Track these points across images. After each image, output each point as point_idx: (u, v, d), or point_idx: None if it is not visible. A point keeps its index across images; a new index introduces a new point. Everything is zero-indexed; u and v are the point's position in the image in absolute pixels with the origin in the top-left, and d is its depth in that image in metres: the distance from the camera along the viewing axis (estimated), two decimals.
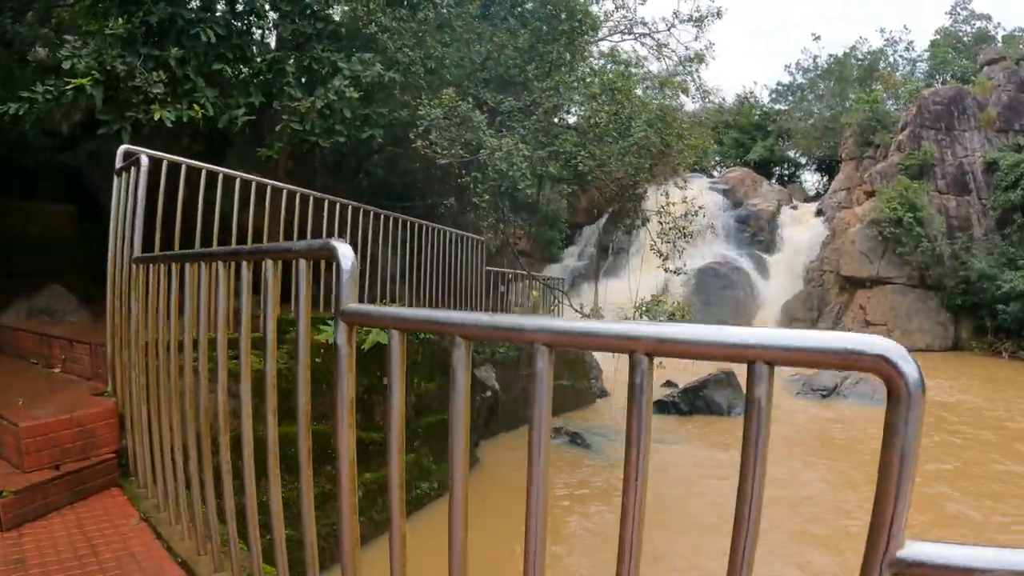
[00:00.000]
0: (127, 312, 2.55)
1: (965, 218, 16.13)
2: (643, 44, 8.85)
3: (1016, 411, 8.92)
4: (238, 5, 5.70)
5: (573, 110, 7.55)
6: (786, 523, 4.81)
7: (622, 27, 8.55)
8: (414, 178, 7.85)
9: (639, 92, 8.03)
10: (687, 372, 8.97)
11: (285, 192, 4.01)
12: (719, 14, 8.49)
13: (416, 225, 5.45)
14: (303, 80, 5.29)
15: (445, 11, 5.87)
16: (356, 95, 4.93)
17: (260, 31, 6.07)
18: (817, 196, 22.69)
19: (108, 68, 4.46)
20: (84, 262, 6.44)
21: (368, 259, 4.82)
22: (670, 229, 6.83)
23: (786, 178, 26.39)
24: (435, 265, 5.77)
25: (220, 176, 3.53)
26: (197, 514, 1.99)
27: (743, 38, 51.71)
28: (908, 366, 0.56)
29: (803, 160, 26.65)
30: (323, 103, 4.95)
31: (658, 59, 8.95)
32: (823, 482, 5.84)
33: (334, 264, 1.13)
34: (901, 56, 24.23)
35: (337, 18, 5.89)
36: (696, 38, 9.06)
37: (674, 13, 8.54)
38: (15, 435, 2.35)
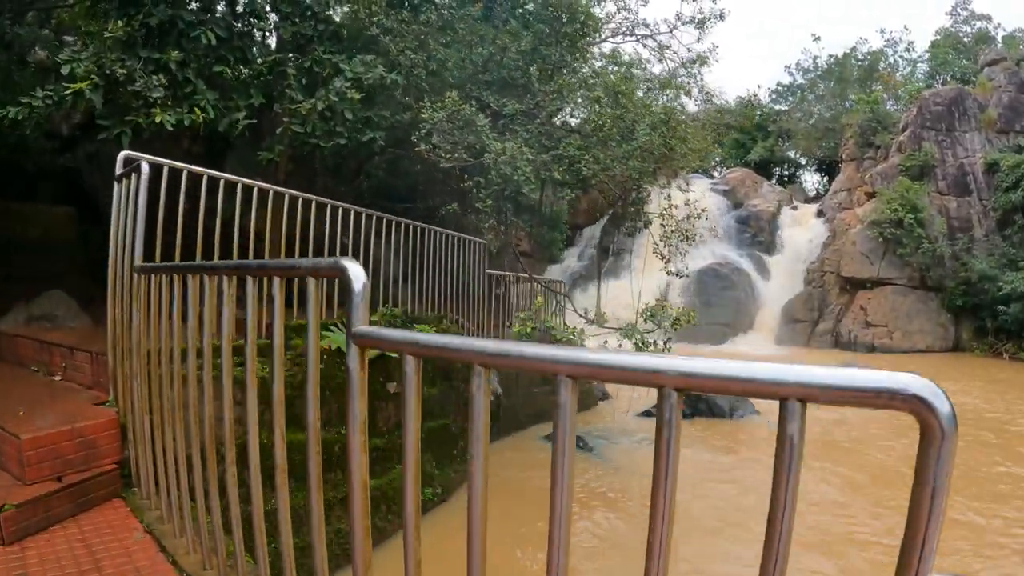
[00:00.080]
0: (128, 321, 2.52)
1: (966, 219, 16.13)
2: (645, 46, 8.84)
3: (1017, 413, 8.91)
4: (238, 7, 5.67)
5: (576, 112, 7.53)
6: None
7: (624, 29, 8.53)
8: (415, 180, 7.83)
9: (640, 93, 8.00)
10: None
11: (287, 196, 3.97)
12: (721, 16, 8.48)
13: (418, 229, 5.42)
14: (304, 82, 5.26)
15: (447, 13, 5.85)
16: (357, 96, 4.90)
17: (261, 33, 6.03)
18: (817, 197, 22.69)
19: (107, 72, 4.43)
20: (84, 264, 6.42)
21: (370, 262, 4.80)
22: (672, 232, 6.81)
23: (786, 179, 26.39)
24: (437, 268, 5.74)
25: (222, 181, 3.49)
26: (202, 526, 1.96)
27: (745, 40, 51.67)
28: (942, 404, 0.56)
29: (803, 161, 26.65)
30: (324, 105, 4.92)
31: (660, 61, 8.93)
32: (826, 484, 5.82)
33: (343, 283, 1.10)
34: (901, 57, 24.24)
35: (338, 19, 5.86)
36: (698, 40, 9.06)
37: (676, 15, 8.52)
38: (17, 447, 2.33)
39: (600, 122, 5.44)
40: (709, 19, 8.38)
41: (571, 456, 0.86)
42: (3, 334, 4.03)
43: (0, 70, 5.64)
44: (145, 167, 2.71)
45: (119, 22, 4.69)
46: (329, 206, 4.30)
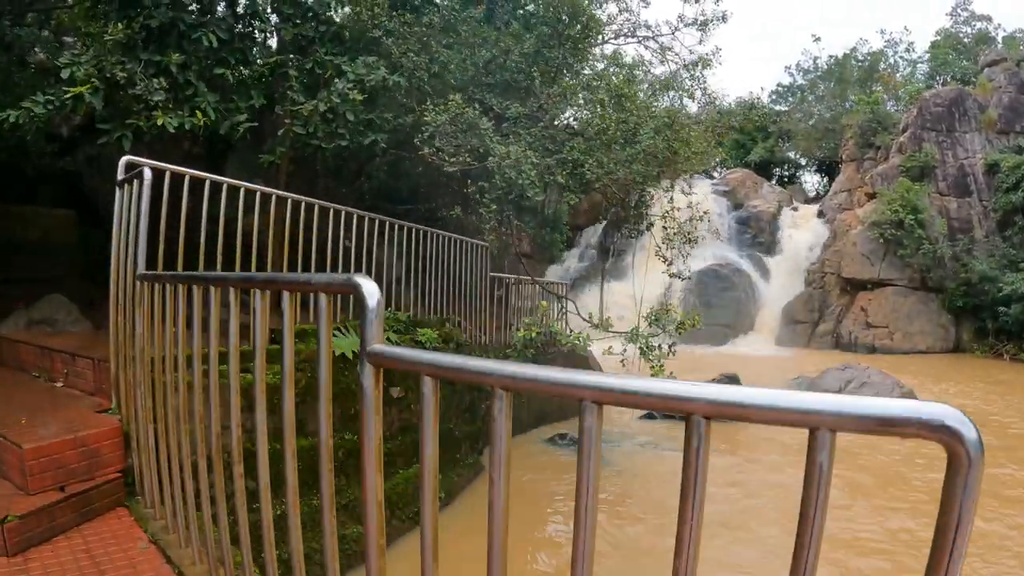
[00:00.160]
0: (131, 329, 2.50)
1: (966, 220, 16.14)
2: (647, 47, 8.82)
3: (1019, 415, 8.91)
4: (239, 8, 5.63)
5: (578, 114, 7.50)
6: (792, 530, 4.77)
7: (625, 30, 8.51)
8: (416, 182, 7.80)
9: (641, 95, 7.98)
10: (693, 374, 8.94)
11: (290, 201, 3.95)
12: (724, 18, 8.46)
13: (421, 232, 5.40)
14: (305, 83, 5.24)
15: (449, 15, 5.82)
16: (360, 98, 4.87)
17: (262, 35, 6.00)
18: (817, 197, 22.70)
19: (108, 75, 4.40)
20: (84, 267, 6.39)
21: (372, 265, 4.78)
22: (675, 234, 6.79)
23: (786, 179, 26.39)
24: (439, 271, 5.72)
25: (224, 186, 3.47)
26: (208, 536, 1.94)
27: (748, 42, 51.55)
28: (969, 432, 0.57)
29: (803, 161, 26.65)
30: (326, 106, 4.90)
31: (662, 63, 8.91)
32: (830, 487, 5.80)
33: (357, 299, 1.08)
34: (902, 57, 24.25)
35: (338, 20, 5.83)
36: (700, 42, 9.03)
37: (679, 17, 8.50)
38: (19, 456, 2.30)
39: (604, 125, 5.41)
40: (711, 21, 8.37)
41: (596, 480, 0.85)
42: (4, 339, 4.01)
43: (0, 71, 5.60)
44: (148, 173, 2.68)
45: (119, 24, 4.66)
46: (332, 210, 4.28)
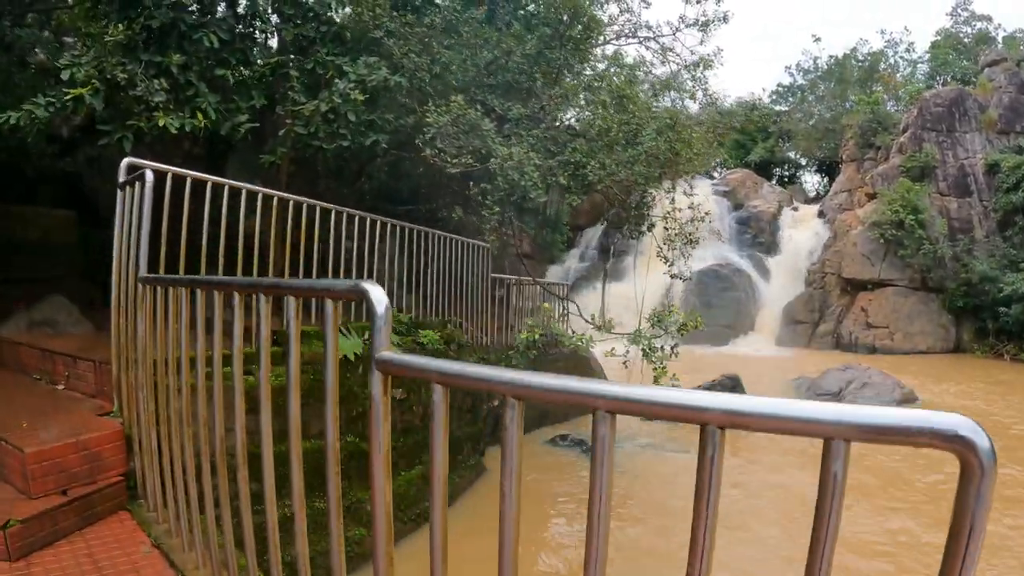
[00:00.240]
0: (133, 331, 2.49)
1: (966, 220, 16.14)
2: (648, 48, 8.81)
3: (1020, 415, 8.91)
4: (239, 8, 5.62)
5: (580, 115, 7.48)
6: (799, 532, 4.76)
7: (626, 31, 8.50)
8: (417, 183, 7.78)
9: (641, 95, 7.97)
10: (694, 375, 8.93)
11: (291, 202, 3.94)
12: (725, 19, 8.44)
13: (423, 233, 5.39)
14: (306, 84, 5.22)
15: (450, 16, 5.80)
16: (361, 98, 4.86)
17: (263, 35, 5.99)
18: (817, 198, 22.69)
19: (108, 76, 4.39)
20: (84, 267, 6.38)
21: (375, 266, 4.77)
22: (676, 235, 6.78)
23: (786, 179, 26.38)
24: (441, 272, 5.71)
25: (226, 187, 3.46)
26: (212, 540, 1.93)
27: (749, 43, 51.43)
28: (982, 441, 0.58)
29: (803, 161, 26.65)
30: (328, 106, 4.88)
31: (663, 63, 8.90)
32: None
33: (365, 306, 1.07)
34: (902, 57, 24.24)
35: (339, 20, 5.81)
36: (701, 42, 9.03)
37: (680, 17, 8.49)
38: (21, 461, 2.29)
39: (606, 126, 5.40)
40: (713, 22, 8.35)
41: (610, 487, 0.85)
42: (4, 341, 3.99)
43: (0, 72, 5.59)
44: (149, 176, 2.67)
45: (119, 25, 4.64)
46: (333, 211, 4.27)
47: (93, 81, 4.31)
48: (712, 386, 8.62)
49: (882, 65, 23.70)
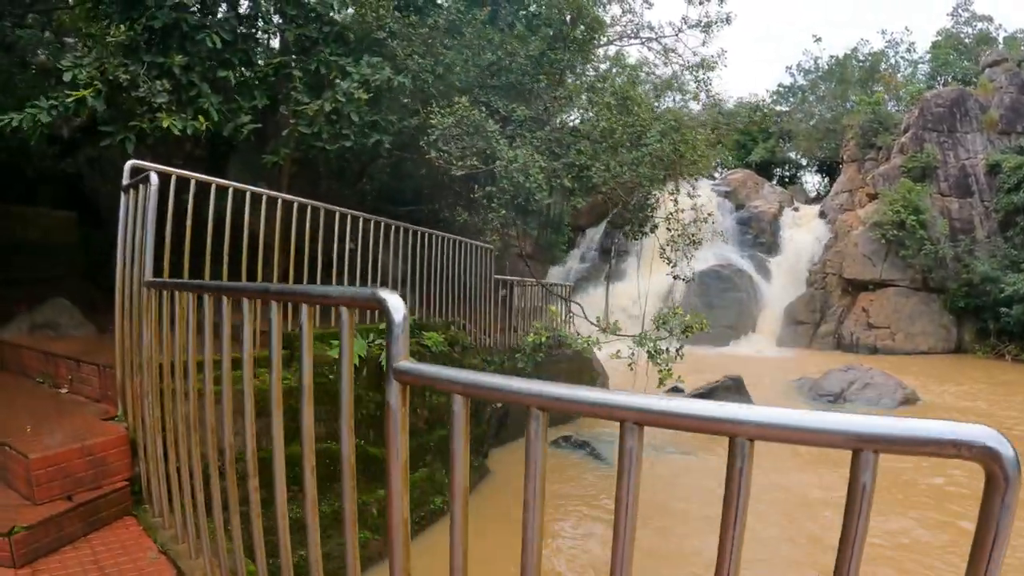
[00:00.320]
0: (138, 336, 2.47)
1: (968, 221, 16.13)
2: (650, 49, 8.79)
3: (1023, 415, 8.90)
4: (241, 9, 5.60)
5: (583, 116, 7.47)
6: (802, 533, 4.75)
7: (628, 31, 8.48)
8: (418, 183, 7.77)
9: (643, 95, 7.94)
10: (695, 376, 8.92)
11: (296, 204, 3.92)
12: (728, 20, 8.42)
13: (426, 235, 5.37)
14: (309, 84, 5.20)
15: (454, 16, 5.78)
16: (365, 97, 4.84)
17: (265, 36, 5.97)
18: (818, 198, 22.67)
19: (110, 77, 4.37)
20: (85, 268, 6.36)
21: (379, 268, 4.75)
22: (679, 236, 6.77)
23: (787, 180, 26.37)
24: (444, 273, 5.70)
25: (230, 190, 3.44)
26: (220, 546, 1.91)
27: (752, 44, 51.35)
28: (1007, 451, 0.59)
29: (804, 162, 26.64)
30: (332, 106, 4.86)
31: (665, 64, 8.88)
32: (832, 490, 5.79)
33: (382, 315, 1.05)
34: (903, 58, 24.23)
35: (339, 20, 5.79)
36: (704, 43, 9.00)
37: (682, 18, 8.47)
38: (25, 467, 2.27)
39: (611, 128, 5.38)
40: (715, 23, 8.33)
41: (636, 500, 0.84)
42: (6, 344, 3.97)
43: (1, 73, 5.56)
44: (154, 178, 2.65)
45: (121, 26, 4.62)
46: (337, 213, 4.25)
47: (95, 82, 4.29)
48: (715, 387, 8.61)
49: (883, 65, 23.69)
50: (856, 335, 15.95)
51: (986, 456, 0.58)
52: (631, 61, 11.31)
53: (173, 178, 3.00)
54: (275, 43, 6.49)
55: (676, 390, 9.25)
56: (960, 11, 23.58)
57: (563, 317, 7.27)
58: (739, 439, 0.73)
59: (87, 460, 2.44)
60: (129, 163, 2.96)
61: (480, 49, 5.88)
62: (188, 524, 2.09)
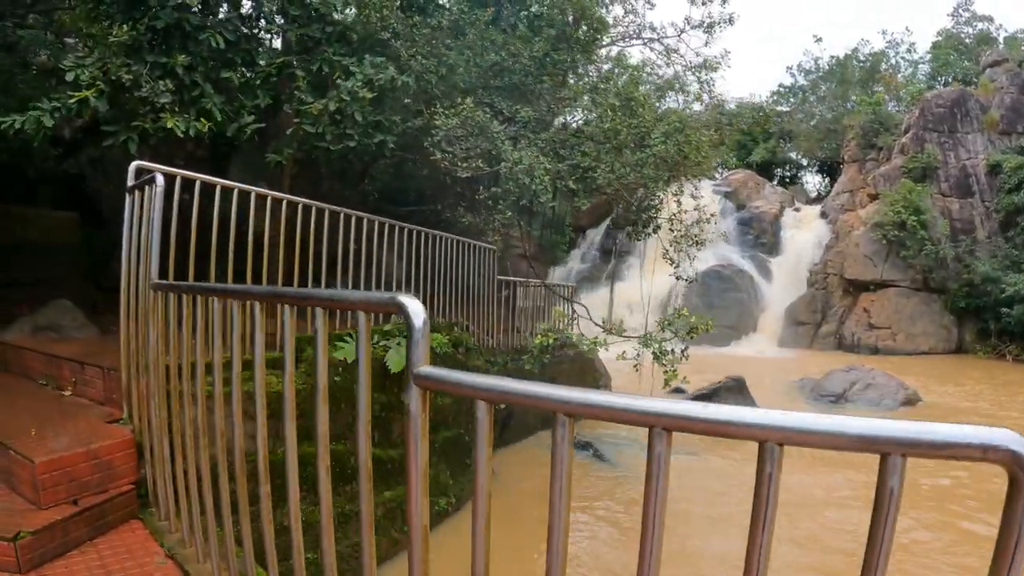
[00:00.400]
0: (144, 338, 2.45)
1: (968, 221, 16.13)
2: (652, 49, 8.77)
3: None
4: (243, 9, 5.58)
5: (586, 116, 7.46)
6: (808, 535, 4.73)
7: (631, 32, 8.46)
8: (420, 184, 7.75)
9: (643, 92, 7.92)
10: (698, 376, 8.89)
11: (300, 205, 3.91)
12: (731, 20, 8.40)
13: (430, 236, 5.36)
14: (312, 84, 5.18)
15: (457, 17, 5.77)
16: (369, 96, 4.83)
17: (269, 36, 5.95)
18: (819, 198, 22.67)
19: (113, 78, 4.34)
20: (87, 269, 6.34)
21: (383, 268, 4.74)
22: (682, 237, 6.75)
23: (787, 180, 26.37)
24: (447, 274, 5.68)
25: (235, 191, 3.42)
26: (230, 550, 1.89)
27: (755, 44, 51.25)
28: None
29: (805, 162, 26.64)
30: (336, 105, 4.84)
31: (667, 65, 8.86)
32: (832, 490, 5.77)
33: (403, 320, 1.04)
34: (903, 58, 24.24)
35: (344, 21, 5.78)
36: (706, 44, 8.99)
37: (685, 19, 8.45)
38: (31, 471, 2.25)
39: (615, 129, 5.37)
40: (718, 23, 8.31)
41: (663, 506, 0.84)
42: (9, 346, 3.95)
43: (2, 73, 5.54)
44: (160, 180, 2.63)
45: (124, 26, 4.60)
46: (342, 214, 4.24)
47: (98, 82, 4.26)
48: (717, 388, 8.60)
49: (883, 65, 23.69)
50: (857, 335, 15.95)
51: (1010, 459, 0.59)
52: (632, 62, 11.31)
53: (178, 179, 2.98)
54: (277, 43, 6.47)
55: (678, 391, 9.26)
56: (960, 11, 23.61)
57: (568, 318, 7.25)
58: (769, 444, 0.73)
59: (93, 464, 2.42)
60: (134, 164, 2.94)
61: (483, 50, 5.87)
62: (196, 528, 2.07)
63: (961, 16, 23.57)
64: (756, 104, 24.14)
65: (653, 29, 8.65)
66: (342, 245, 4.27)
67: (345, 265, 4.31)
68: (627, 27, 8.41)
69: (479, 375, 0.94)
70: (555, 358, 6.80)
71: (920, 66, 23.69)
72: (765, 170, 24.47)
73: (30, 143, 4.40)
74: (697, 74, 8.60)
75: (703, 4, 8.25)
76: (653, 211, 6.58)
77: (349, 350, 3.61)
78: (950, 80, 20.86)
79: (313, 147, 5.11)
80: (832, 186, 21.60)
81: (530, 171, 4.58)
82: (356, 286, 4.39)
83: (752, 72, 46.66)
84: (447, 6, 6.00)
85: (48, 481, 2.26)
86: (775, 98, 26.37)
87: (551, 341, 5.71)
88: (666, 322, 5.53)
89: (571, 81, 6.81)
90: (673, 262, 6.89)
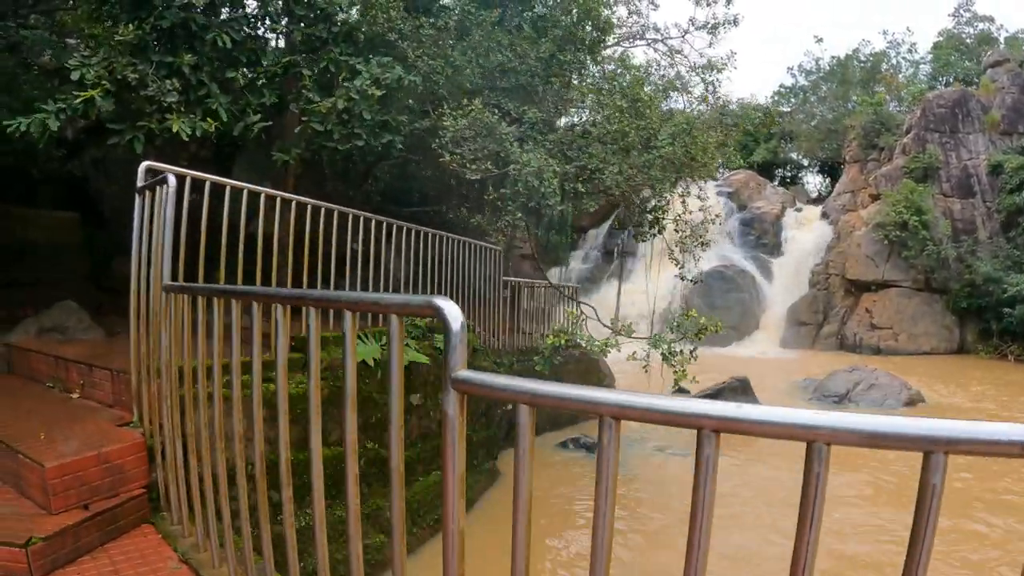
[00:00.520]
0: (156, 341, 2.42)
1: (970, 221, 16.14)
2: (656, 50, 8.76)
3: None
4: (248, 8, 5.55)
5: (593, 118, 7.45)
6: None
7: (635, 32, 8.44)
8: (424, 185, 7.72)
9: (650, 97, 7.91)
10: (701, 377, 8.87)
11: (310, 206, 3.89)
12: (735, 21, 8.39)
13: (436, 236, 5.34)
14: (318, 83, 5.16)
15: (463, 18, 5.75)
16: (378, 93, 4.80)
17: (275, 36, 5.94)
18: (820, 198, 22.67)
19: (118, 77, 4.32)
20: (90, 268, 6.30)
21: (391, 269, 4.71)
22: (687, 237, 6.74)
23: (789, 180, 26.38)
24: (452, 274, 5.66)
25: (244, 191, 3.40)
26: (248, 556, 1.87)
27: (759, 45, 51.24)
28: None
29: (806, 162, 26.65)
30: (345, 103, 4.82)
31: (671, 66, 8.85)
32: (837, 488, 5.76)
33: (440, 323, 1.01)
34: (904, 58, 24.25)
35: (350, 20, 5.75)
36: (710, 45, 8.98)
37: (689, 20, 8.43)
38: (41, 475, 2.22)
39: (622, 130, 5.35)
40: (722, 24, 8.31)
41: (711, 510, 0.83)
42: (15, 348, 3.92)
43: (5, 74, 5.51)
44: (172, 180, 2.60)
45: (129, 25, 4.57)
46: (351, 215, 4.22)
47: (103, 82, 4.24)
48: (721, 388, 8.58)
49: (884, 66, 23.71)
50: (859, 336, 15.94)
51: None
52: (636, 63, 11.30)
53: (188, 180, 2.95)
54: (280, 43, 6.44)
55: (681, 391, 9.24)
56: (961, 11, 23.64)
57: (576, 319, 7.24)
58: (817, 444, 0.74)
59: (103, 468, 2.39)
60: (144, 164, 2.92)
61: (488, 50, 5.85)
62: (211, 532, 2.04)
63: (962, 16, 23.61)
64: (761, 105, 24.13)
65: (657, 30, 8.65)
66: (350, 246, 4.24)
67: (354, 266, 4.29)
68: (631, 28, 8.40)
69: (519, 379, 0.91)
70: (562, 359, 6.78)
71: (921, 66, 23.72)
72: (766, 170, 24.47)
73: (35, 145, 4.38)
74: (702, 75, 8.59)
75: (708, 5, 8.24)
76: (660, 212, 6.57)
77: (363, 351, 3.58)
78: (951, 80, 20.88)
79: (321, 147, 5.09)
80: (833, 186, 21.60)
81: (539, 174, 4.56)
82: (364, 287, 4.37)
83: (756, 73, 46.66)
84: (452, 7, 5.98)
85: (59, 486, 2.23)
86: (776, 98, 26.37)
87: (563, 342, 5.70)
88: (675, 323, 5.52)
89: (575, 82, 6.79)
90: (678, 262, 6.88)
